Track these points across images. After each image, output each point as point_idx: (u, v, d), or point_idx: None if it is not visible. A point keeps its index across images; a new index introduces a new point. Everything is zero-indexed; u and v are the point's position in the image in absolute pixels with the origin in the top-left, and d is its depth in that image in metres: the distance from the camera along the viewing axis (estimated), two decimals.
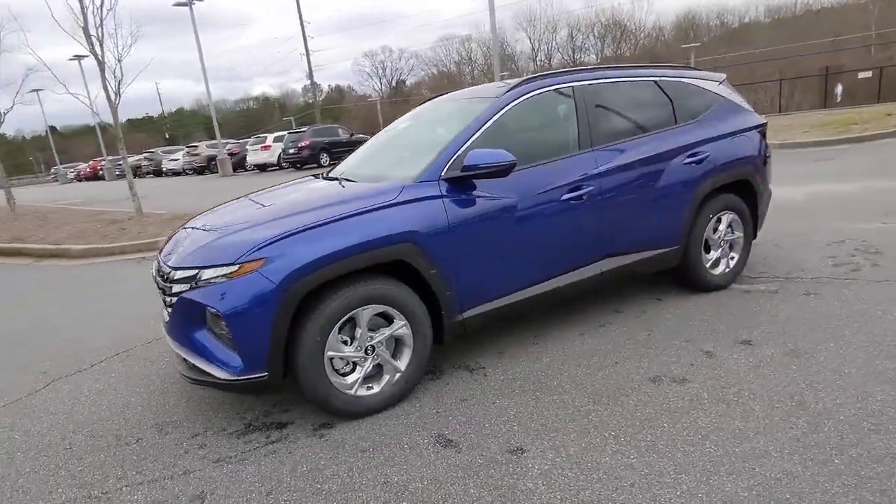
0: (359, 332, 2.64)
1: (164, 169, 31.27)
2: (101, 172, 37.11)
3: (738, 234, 3.98)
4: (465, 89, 4.08)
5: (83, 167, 41.64)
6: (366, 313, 2.63)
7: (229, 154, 26.38)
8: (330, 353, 2.57)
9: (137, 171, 34.75)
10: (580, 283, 3.30)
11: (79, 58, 30.22)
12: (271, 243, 2.47)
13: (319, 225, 2.57)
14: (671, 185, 3.55)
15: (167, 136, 60.69)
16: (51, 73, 10.09)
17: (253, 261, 2.43)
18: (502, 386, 2.89)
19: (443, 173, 2.85)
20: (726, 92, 4.03)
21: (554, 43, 54.28)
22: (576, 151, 3.28)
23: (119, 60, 9.37)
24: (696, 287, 3.88)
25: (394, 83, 64.27)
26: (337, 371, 2.65)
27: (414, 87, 61.32)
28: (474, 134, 3.01)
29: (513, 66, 51.17)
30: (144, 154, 34.65)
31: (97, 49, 8.96)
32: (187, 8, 24.19)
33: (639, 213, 3.44)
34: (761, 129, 4.08)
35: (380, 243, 2.61)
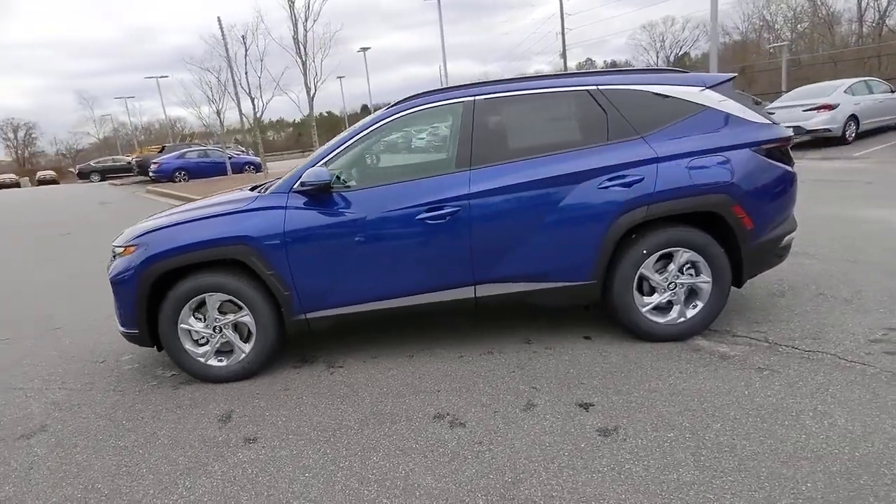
0: (208, 313, 3.21)
1: None
2: None
3: (704, 278, 3.17)
4: None
5: None
6: (213, 299, 3.18)
7: None
8: (183, 326, 3.21)
9: None
10: (446, 304, 3.20)
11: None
12: (143, 235, 3.21)
13: (181, 223, 3.20)
14: (575, 212, 3.08)
15: None
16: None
17: (131, 246, 3.20)
18: (330, 385, 3.12)
19: (294, 186, 3.15)
20: (714, 100, 3.18)
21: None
22: (450, 170, 3.15)
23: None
24: (636, 334, 3.28)
25: (673, 57, 58.83)
26: (196, 342, 3.28)
27: (698, 59, 55.25)
28: (334, 151, 3.20)
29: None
30: None
31: (302, 53, 11.06)
32: None
33: (526, 241, 3.11)
34: (761, 147, 3.11)
35: (215, 243, 3.10)
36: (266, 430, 2.72)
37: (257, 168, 24.27)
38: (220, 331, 3.24)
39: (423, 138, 3.40)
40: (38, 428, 2.94)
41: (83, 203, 17.57)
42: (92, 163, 33.96)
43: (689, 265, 3.18)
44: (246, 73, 21.78)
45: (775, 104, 13.29)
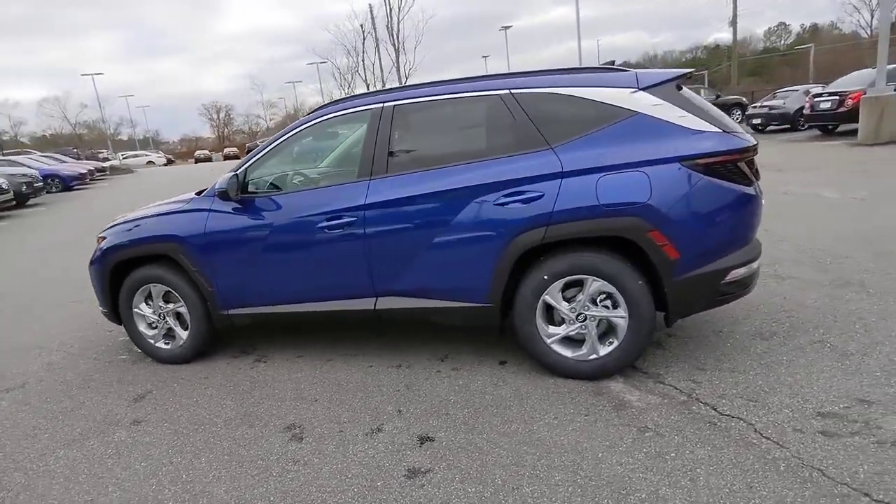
0: (154, 301, 3.58)
1: None
2: None
3: (620, 313, 2.73)
4: None
5: None
6: (156, 289, 3.54)
7: None
8: (136, 310, 3.62)
9: None
10: (349, 314, 3.18)
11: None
12: (110, 227, 3.68)
13: (137, 219, 3.59)
14: (469, 229, 2.84)
15: None
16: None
17: (102, 236, 3.68)
18: (240, 380, 3.31)
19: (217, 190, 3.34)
20: (646, 104, 2.67)
21: None
22: (352, 179, 3.09)
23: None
24: (544, 367, 2.96)
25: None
26: (150, 325, 3.68)
27: None
28: (255, 157, 3.31)
29: None
30: None
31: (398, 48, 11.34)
32: None
33: (422, 256, 2.95)
34: (696, 161, 2.55)
35: (153, 240, 3.44)
36: (158, 414, 2.99)
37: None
38: (164, 318, 3.60)
39: (339, 145, 3.37)
40: (19, 384, 3.55)
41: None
42: (257, 142, 38.74)
43: (604, 296, 2.76)
44: (380, 60, 22.83)
45: None
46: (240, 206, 3.26)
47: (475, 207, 2.81)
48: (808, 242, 4.86)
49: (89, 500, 2.30)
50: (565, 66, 2.99)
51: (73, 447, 2.72)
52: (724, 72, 41.80)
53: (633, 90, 2.71)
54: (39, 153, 27.24)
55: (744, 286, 2.74)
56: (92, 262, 3.69)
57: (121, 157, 44.53)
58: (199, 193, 3.54)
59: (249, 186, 3.33)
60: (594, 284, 2.73)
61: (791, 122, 16.19)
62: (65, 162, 23.95)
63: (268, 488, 2.26)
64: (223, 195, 3.20)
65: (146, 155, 48.52)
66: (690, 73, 2.85)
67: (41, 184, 16.45)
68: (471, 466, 2.26)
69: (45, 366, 3.80)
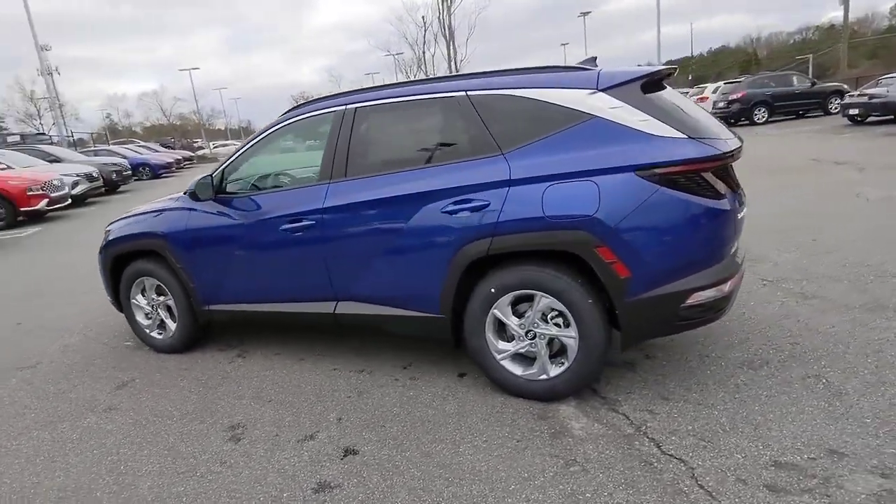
0: (147, 293, 3.78)
1: None
2: None
3: (571, 333, 2.53)
4: None
5: None
6: (148, 282, 3.73)
7: None
8: (133, 301, 3.84)
9: None
10: (311, 316, 3.19)
11: None
12: (111, 223, 3.91)
13: (133, 216, 3.79)
14: (419, 237, 2.74)
15: (689, 78, 60.63)
16: None
17: (108, 230, 3.92)
18: (214, 374, 3.42)
19: None
20: (604, 106, 2.43)
21: None
22: (313, 182, 3.07)
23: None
24: (494, 383, 2.82)
25: None
26: (146, 315, 3.88)
27: None
28: (230, 159, 3.37)
29: None
30: None
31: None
32: None
33: (377, 262, 2.88)
34: (652, 170, 2.29)
35: (143, 236, 3.62)
36: (130, 402, 3.15)
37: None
38: (156, 310, 3.79)
39: (311, 147, 3.37)
40: (32, 364, 3.88)
41: None
42: None
43: (556, 314, 2.57)
44: (448, 50, 22.69)
45: None
46: (216, 206, 3.35)
47: (425, 215, 2.71)
48: (857, 256, 4.29)
49: (36, 482, 2.46)
50: (529, 66, 2.79)
51: (47, 429, 2.93)
52: (834, 55, 37.81)
53: (591, 91, 2.47)
54: (142, 142, 29.84)
55: (712, 310, 2.44)
56: (99, 253, 3.95)
57: (212, 147, 47.69)
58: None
59: (228, 186, 3.40)
60: (543, 301, 2.55)
61: (895, 113, 14.40)
62: (157, 151, 26.01)
63: (186, 488, 2.31)
64: (192, 196, 3.31)
65: (234, 144, 51.66)
66: (661, 71, 2.56)
67: (130, 172, 17.95)
68: (378, 487, 2.19)
69: (62, 348, 4.13)
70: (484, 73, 2.82)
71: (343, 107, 3.03)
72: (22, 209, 10.80)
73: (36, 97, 52.73)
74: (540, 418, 2.55)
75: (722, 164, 2.37)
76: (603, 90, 2.46)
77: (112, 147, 23.45)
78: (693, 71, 64.10)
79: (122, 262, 3.81)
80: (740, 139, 2.64)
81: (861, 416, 2.29)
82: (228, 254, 3.33)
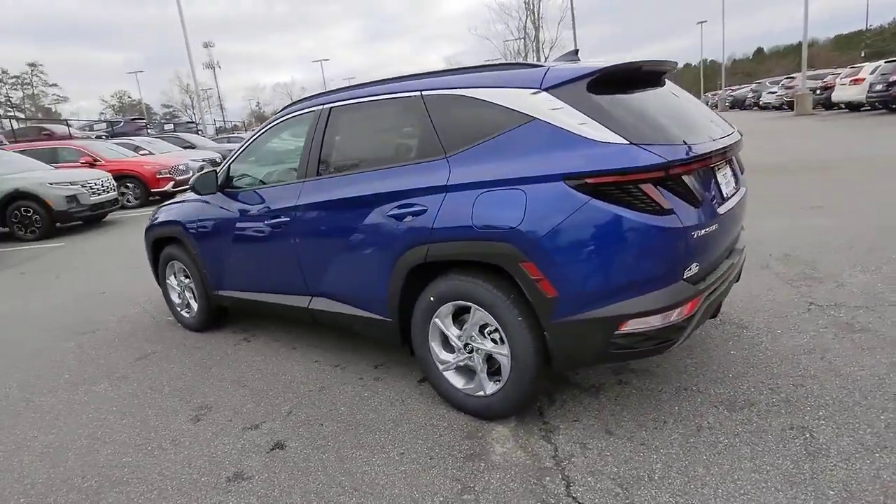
0: (177, 275, 4.17)
1: (762, 103, 29.45)
2: None
3: (503, 350, 2.37)
4: None
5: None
6: (175, 266, 4.13)
7: (823, 87, 22.36)
8: (167, 282, 4.26)
9: (741, 104, 34.27)
10: (291, 309, 3.31)
11: None
12: (160, 208, 4.32)
13: (173, 203, 4.18)
14: (369, 239, 2.72)
15: (863, 55, 52.63)
16: None
17: (153, 215, 4.37)
18: (212, 356, 3.70)
19: None
20: (544, 108, 2.20)
21: None
22: (293, 179, 3.16)
23: None
24: (438, 394, 2.73)
25: None
26: (178, 295, 4.29)
27: None
28: (236, 153, 3.58)
29: None
30: (751, 86, 33.50)
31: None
32: None
33: (337, 261, 2.91)
34: (583, 180, 2.04)
35: (169, 224, 3.99)
36: (139, 374, 3.50)
37: None
38: (184, 291, 4.17)
39: (281, 146, 3.47)
40: (92, 330, 4.47)
41: None
42: None
43: (495, 328, 2.42)
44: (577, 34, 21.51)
45: None
46: (221, 199, 3.59)
47: (375, 217, 2.67)
48: None
49: (34, 437, 2.86)
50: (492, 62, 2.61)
51: (69, 391, 3.37)
52: None
53: (534, 91, 2.26)
54: None
55: (655, 341, 2.13)
56: (144, 235, 4.43)
57: None
58: None
59: (234, 181, 3.62)
60: (478, 314, 2.42)
61: None
62: None
63: (133, 460, 2.54)
64: (193, 189, 3.57)
65: None
66: (618, 67, 2.25)
67: None
68: (282, 485, 2.24)
69: (120, 318, 4.70)
70: (441, 72, 2.70)
71: (321, 106, 3.08)
72: (153, 190, 12.40)
73: (190, 90, 60.65)
74: (468, 437, 2.43)
75: (664, 175, 2.04)
76: (546, 89, 2.23)
77: (242, 134, 26.00)
78: (868, 46, 55.27)
79: (159, 245, 4.24)
80: (729, 139, 2.30)
81: (825, 486, 1.88)
82: (228, 244, 3.56)
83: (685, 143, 2.13)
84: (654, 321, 2.09)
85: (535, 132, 2.22)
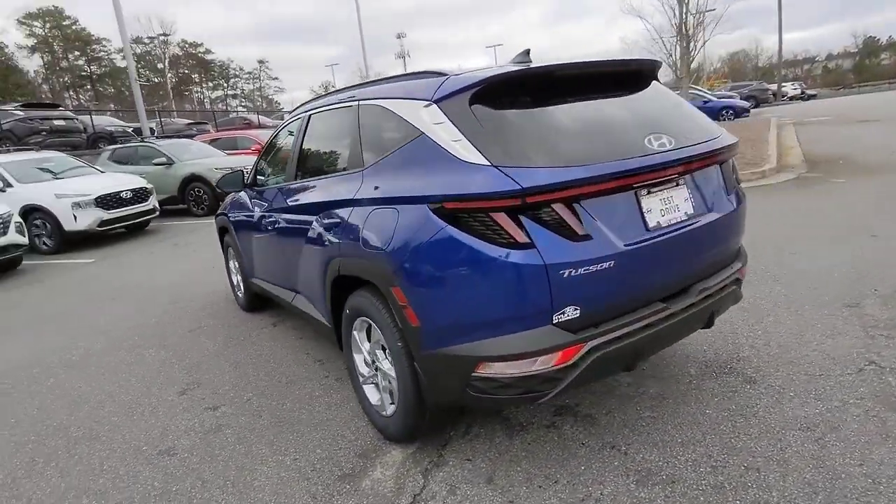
0: (232, 260, 4.71)
1: None
2: None
3: (392, 372, 2.28)
4: None
5: None
6: (232, 251, 4.65)
7: None
8: (228, 264, 4.84)
9: None
10: (284, 301, 3.54)
11: None
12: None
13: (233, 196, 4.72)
14: (311, 246, 2.81)
15: None
16: None
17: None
18: (239, 340, 4.12)
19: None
20: (429, 122, 2.02)
21: None
22: (282, 181, 3.36)
23: None
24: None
25: None
26: (234, 277, 4.83)
27: None
28: (263, 152, 3.90)
29: None
30: None
31: None
32: None
33: (300, 263, 3.03)
34: (442, 206, 1.85)
35: (221, 214, 4.51)
36: (177, 346, 4.02)
37: (737, 113, 21.52)
38: (235, 274, 4.69)
39: (288, 146, 3.62)
40: (187, 300, 5.26)
41: None
42: None
43: (379, 345, 2.35)
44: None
45: None
46: (249, 194, 3.96)
47: (316, 225, 2.75)
48: None
49: (78, 387, 3.50)
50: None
51: (129, 352, 4.03)
52: None
53: (426, 103, 2.10)
54: None
55: (513, 390, 1.85)
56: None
57: None
58: None
59: (259, 177, 3.95)
60: (376, 331, 2.35)
61: None
62: None
63: (118, 420, 2.99)
64: (217, 186, 3.97)
65: None
66: (509, 74, 1.97)
67: None
68: (190, 468, 2.45)
69: (209, 293, 5.45)
70: (382, 80, 2.62)
71: (306, 113, 3.22)
72: None
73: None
74: (361, 455, 2.40)
75: (528, 202, 1.73)
76: (437, 101, 2.06)
77: None
78: None
79: (221, 232, 4.83)
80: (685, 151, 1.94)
81: None
82: (249, 236, 3.92)
83: (582, 165, 1.80)
84: (510, 369, 1.83)
85: (421, 148, 2.07)
